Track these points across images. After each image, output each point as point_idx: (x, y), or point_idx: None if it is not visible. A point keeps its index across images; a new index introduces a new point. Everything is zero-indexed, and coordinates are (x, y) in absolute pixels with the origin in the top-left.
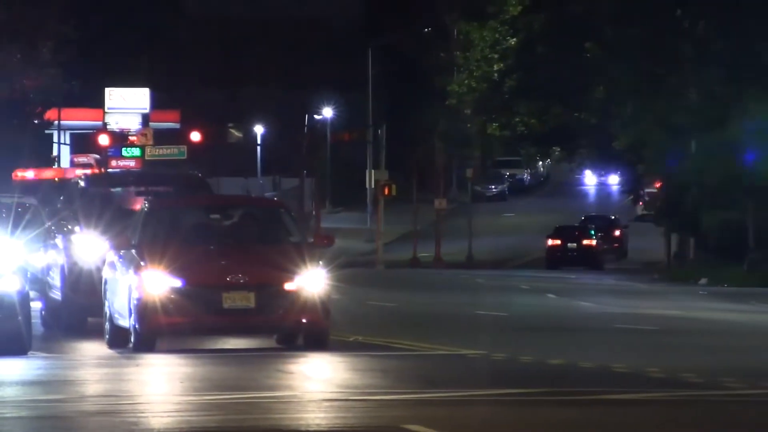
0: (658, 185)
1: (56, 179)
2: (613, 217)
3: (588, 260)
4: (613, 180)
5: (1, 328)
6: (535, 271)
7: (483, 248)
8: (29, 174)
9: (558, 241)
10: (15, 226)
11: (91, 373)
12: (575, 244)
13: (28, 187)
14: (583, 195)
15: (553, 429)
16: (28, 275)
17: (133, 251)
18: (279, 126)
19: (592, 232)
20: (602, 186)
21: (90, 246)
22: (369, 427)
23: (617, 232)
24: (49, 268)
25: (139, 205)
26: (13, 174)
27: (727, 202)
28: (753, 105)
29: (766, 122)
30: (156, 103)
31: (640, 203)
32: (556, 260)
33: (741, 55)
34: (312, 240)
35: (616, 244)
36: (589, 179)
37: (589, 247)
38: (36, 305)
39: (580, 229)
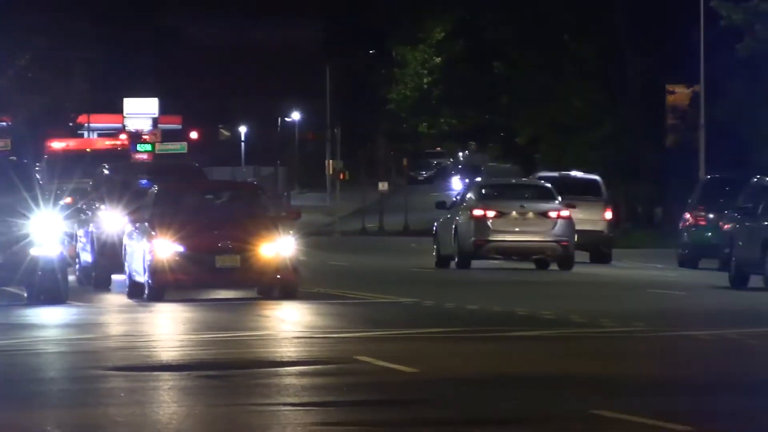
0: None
1: (87, 149)
2: None
3: None
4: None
5: (43, 284)
6: None
7: (416, 220)
8: (59, 144)
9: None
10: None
11: (114, 317)
12: None
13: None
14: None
15: (470, 358)
16: (66, 243)
17: (146, 224)
18: (258, 126)
19: None
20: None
21: (113, 220)
22: (329, 358)
23: None
24: (82, 237)
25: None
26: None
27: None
28: (622, 107)
29: (631, 123)
30: (163, 109)
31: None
32: None
33: (611, 69)
34: (284, 214)
35: None
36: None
37: None
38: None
39: None
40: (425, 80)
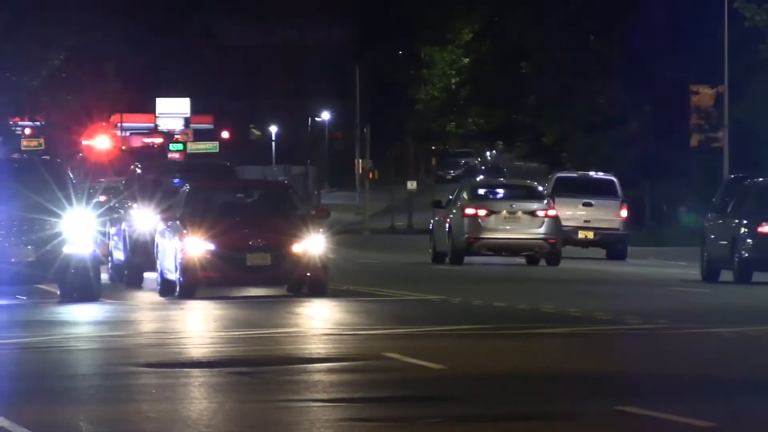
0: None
1: (123, 147)
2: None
3: None
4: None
5: (76, 281)
6: None
7: None
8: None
9: None
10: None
11: (146, 315)
12: None
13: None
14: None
15: (497, 355)
16: (99, 241)
17: (178, 222)
18: (288, 126)
19: None
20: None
21: (145, 218)
22: (357, 355)
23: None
24: (114, 235)
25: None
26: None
27: (629, 183)
28: (646, 107)
29: (656, 123)
30: (194, 109)
31: None
32: None
33: (634, 69)
34: (313, 213)
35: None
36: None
37: None
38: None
39: None
40: (453, 80)
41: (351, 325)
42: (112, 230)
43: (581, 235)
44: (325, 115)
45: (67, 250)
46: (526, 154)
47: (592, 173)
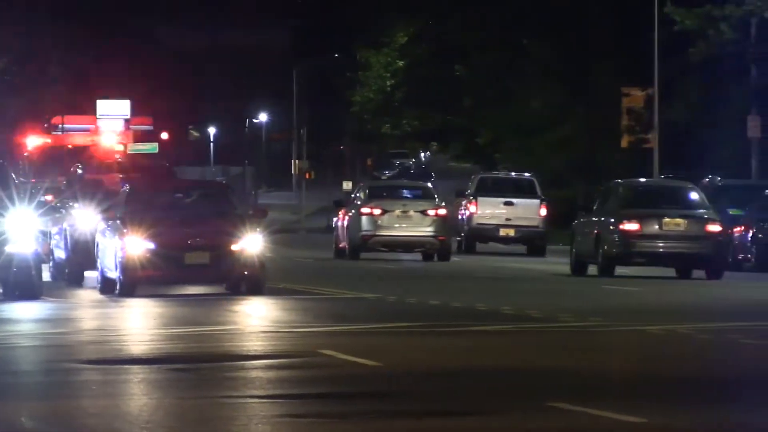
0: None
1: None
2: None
3: None
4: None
5: (18, 280)
6: None
7: None
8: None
9: None
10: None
11: (87, 312)
12: None
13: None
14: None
15: (432, 352)
16: (40, 240)
17: (118, 222)
18: (226, 127)
19: None
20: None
21: (86, 218)
22: (294, 352)
23: None
24: (56, 234)
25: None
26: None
27: (563, 184)
28: (579, 108)
29: (589, 125)
30: (134, 110)
31: None
32: None
33: (570, 71)
34: (251, 212)
35: None
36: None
37: None
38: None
39: None
40: (388, 83)
41: (288, 322)
42: (54, 229)
43: (503, 232)
44: (263, 117)
45: (9, 249)
46: (460, 155)
47: (513, 174)
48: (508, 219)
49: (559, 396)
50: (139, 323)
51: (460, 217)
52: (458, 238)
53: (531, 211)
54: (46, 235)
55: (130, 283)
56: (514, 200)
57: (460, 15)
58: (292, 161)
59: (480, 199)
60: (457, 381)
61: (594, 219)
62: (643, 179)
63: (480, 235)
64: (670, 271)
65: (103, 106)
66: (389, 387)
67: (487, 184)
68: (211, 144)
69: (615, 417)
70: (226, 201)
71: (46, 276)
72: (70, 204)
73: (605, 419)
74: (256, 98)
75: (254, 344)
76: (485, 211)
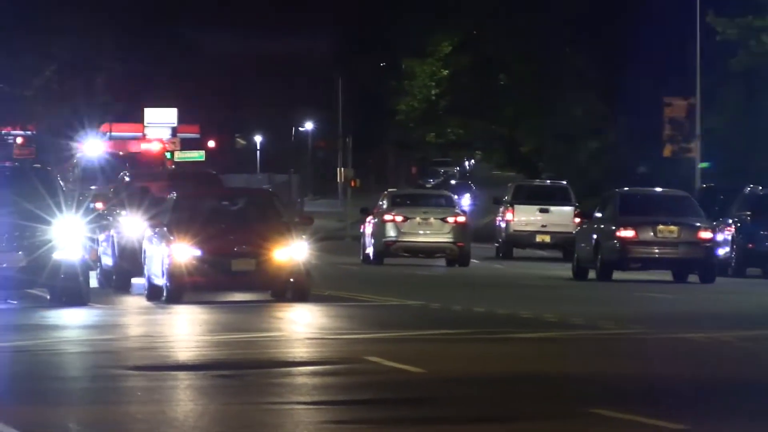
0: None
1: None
2: None
3: None
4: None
5: (66, 286)
6: (475, 243)
7: None
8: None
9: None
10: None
11: (134, 319)
12: None
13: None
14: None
15: (476, 359)
16: (88, 247)
17: (165, 229)
18: (273, 135)
19: None
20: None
21: (133, 225)
22: (339, 359)
23: None
24: (103, 242)
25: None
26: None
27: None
28: (621, 118)
29: (630, 133)
30: (181, 119)
31: None
32: None
33: (611, 81)
34: (297, 220)
35: None
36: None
37: None
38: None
39: None
40: (433, 92)
41: (333, 329)
42: (101, 236)
43: (539, 238)
44: (309, 125)
45: (57, 256)
46: (503, 164)
47: (548, 182)
48: (543, 225)
49: (601, 403)
50: (186, 330)
51: (497, 224)
52: (496, 244)
53: (566, 217)
54: (93, 242)
55: (177, 289)
56: (549, 207)
57: (502, 25)
58: (338, 169)
59: (516, 206)
60: (500, 387)
61: (594, 226)
62: (639, 188)
63: (517, 242)
64: (667, 275)
65: (150, 114)
66: (433, 393)
67: (523, 191)
68: (258, 152)
69: (657, 423)
70: (271, 208)
71: (94, 283)
72: (118, 211)
73: (648, 426)
74: (302, 106)
75: (299, 351)
76: (521, 218)
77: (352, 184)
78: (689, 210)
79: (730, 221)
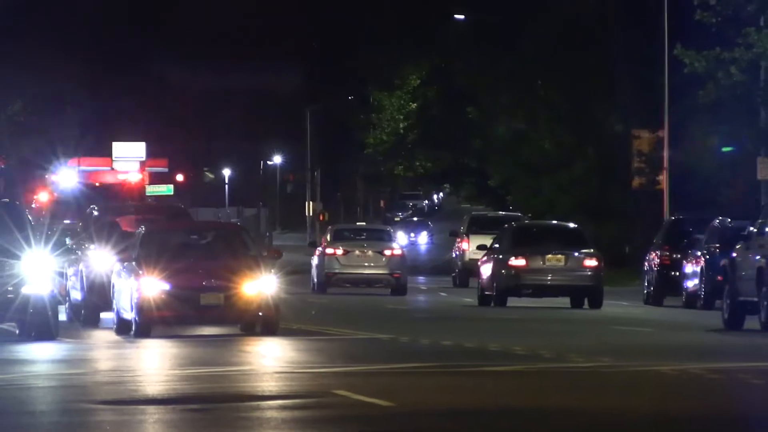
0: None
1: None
2: None
3: None
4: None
5: (34, 321)
6: (434, 276)
7: None
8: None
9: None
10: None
11: (103, 353)
12: None
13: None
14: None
15: (445, 392)
16: (56, 281)
17: (134, 263)
18: (241, 169)
19: None
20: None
21: (102, 259)
22: (308, 392)
23: None
24: (72, 276)
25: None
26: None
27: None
28: (590, 149)
29: (600, 166)
30: (149, 153)
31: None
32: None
33: (581, 113)
34: (265, 254)
35: None
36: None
37: None
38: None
39: None
40: (401, 125)
41: (302, 363)
42: (70, 271)
43: None
44: (277, 159)
45: (25, 290)
46: (472, 196)
47: (500, 212)
48: None
49: None
50: (155, 364)
51: (454, 254)
52: (453, 274)
53: None
54: (62, 276)
55: (146, 323)
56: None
57: (471, 57)
58: (306, 203)
59: (471, 236)
60: (469, 421)
61: (492, 256)
62: (533, 222)
63: (472, 270)
64: (566, 302)
65: (118, 148)
66: (401, 427)
67: (477, 222)
68: (226, 185)
69: None
70: (240, 242)
71: (62, 317)
72: (86, 245)
73: None
74: (271, 140)
75: (268, 385)
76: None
77: (321, 217)
78: (578, 241)
79: (699, 253)
